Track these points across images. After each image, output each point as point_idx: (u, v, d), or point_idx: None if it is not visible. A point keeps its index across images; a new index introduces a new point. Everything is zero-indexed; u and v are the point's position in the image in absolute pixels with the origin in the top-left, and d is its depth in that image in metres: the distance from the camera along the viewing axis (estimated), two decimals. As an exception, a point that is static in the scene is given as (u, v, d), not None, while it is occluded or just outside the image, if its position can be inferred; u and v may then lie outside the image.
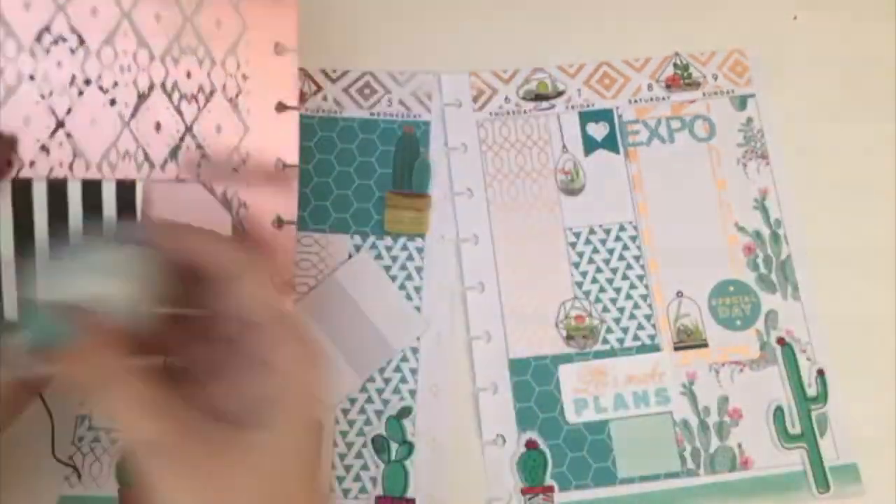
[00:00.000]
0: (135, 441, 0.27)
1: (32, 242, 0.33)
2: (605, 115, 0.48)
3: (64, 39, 0.34)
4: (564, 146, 0.47)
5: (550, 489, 0.41)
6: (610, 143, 0.47)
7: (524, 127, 0.47)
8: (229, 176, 0.36)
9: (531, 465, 0.42)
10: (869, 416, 0.43)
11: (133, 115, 0.35)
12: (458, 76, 0.48)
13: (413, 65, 0.48)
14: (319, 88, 0.47)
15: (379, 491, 0.41)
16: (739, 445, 0.42)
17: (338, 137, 0.47)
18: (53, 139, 0.34)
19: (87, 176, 0.34)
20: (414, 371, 0.43)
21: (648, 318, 0.44)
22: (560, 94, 0.48)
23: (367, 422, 0.42)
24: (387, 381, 0.43)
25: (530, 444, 0.42)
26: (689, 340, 0.44)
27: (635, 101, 0.48)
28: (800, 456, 0.42)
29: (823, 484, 0.42)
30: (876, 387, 0.44)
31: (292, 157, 0.37)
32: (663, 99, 0.48)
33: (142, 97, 0.35)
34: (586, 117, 0.48)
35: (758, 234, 0.46)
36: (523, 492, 0.41)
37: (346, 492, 0.41)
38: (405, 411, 0.42)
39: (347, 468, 0.41)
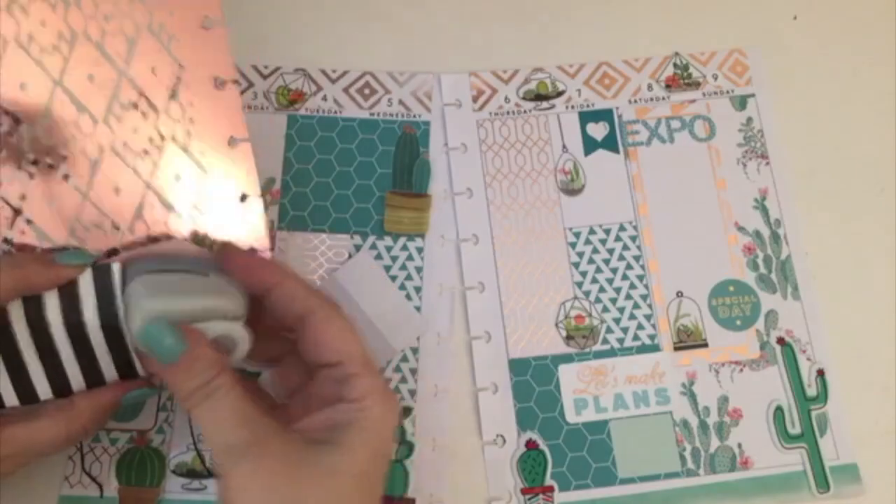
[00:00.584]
0: (221, 445, 0.30)
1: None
2: (605, 115, 0.48)
3: None
4: (564, 146, 0.47)
5: (550, 489, 0.41)
6: (610, 143, 0.47)
7: (524, 127, 0.47)
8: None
9: (531, 465, 0.42)
10: (869, 416, 0.43)
11: (89, 184, 0.33)
12: (458, 76, 0.48)
13: (413, 65, 0.48)
14: (319, 88, 0.47)
15: None
16: (739, 445, 0.42)
17: (338, 137, 0.47)
18: (14, 229, 0.32)
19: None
20: (414, 371, 0.43)
21: (648, 318, 0.44)
22: (560, 94, 0.48)
23: None
24: (387, 381, 0.43)
25: (530, 444, 0.42)
26: (689, 340, 0.44)
27: (635, 101, 0.48)
28: (800, 456, 0.42)
29: (823, 484, 0.42)
30: (876, 387, 0.44)
31: (254, 189, 0.37)
32: (663, 99, 0.48)
33: (94, 164, 0.33)
34: (586, 117, 0.48)
35: (758, 234, 0.46)
36: (523, 492, 0.41)
37: None
38: (405, 411, 0.42)
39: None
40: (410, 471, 0.41)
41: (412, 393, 0.42)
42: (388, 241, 0.45)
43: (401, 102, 0.47)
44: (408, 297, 0.44)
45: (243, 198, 0.37)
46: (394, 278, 0.44)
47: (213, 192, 0.36)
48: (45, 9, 0.32)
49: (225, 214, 0.36)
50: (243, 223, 0.37)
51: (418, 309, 0.44)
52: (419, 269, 0.45)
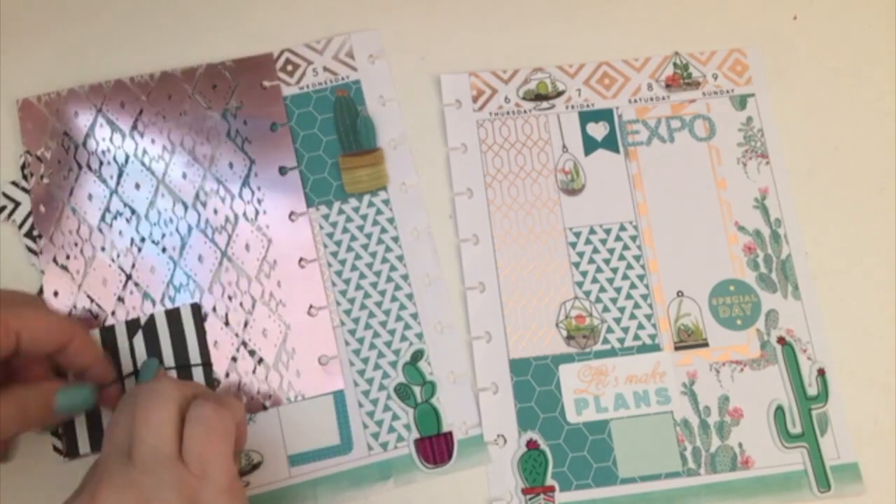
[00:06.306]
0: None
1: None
2: (605, 115, 0.48)
3: (120, 214, 0.45)
4: (564, 146, 0.47)
5: (551, 489, 0.41)
6: (610, 142, 0.47)
7: (524, 127, 0.47)
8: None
9: (532, 465, 0.42)
10: (869, 416, 0.43)
11: (180, 254, 0.44)
12: (458, 76, 0.48)
13: (412, 65, 0.48)
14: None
15: (416, 434, 0.42)
16: (740, 445, 0.42)
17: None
18: (126, 290, 0.44)
19: (154, 311, 0.44)
20: (415, 315, 0.44)
21: (649, 317, 0.44)
22: (560, 94, 0.48)
23: (385, 375, 0.43)
24: (391, 332, 0.43)
25: (531, 444, 0.42)
26: (689, 340, 0.44)
27: (635, 101, 0.48)
28: (800, 455, 0.42)
29: (824, 483, 0.42)
30: (876, 386, 0.44)
31: (311, 253, 0.44)
32: (663, 99, 0.48)
33: (184, 239, 0.44)
34: (586, 117, 0.48)
35: (758, 234, 0.46)
36: (524, 492, 0.41)
37: (384, 445, 0.42)
38: (418, 355, 0.43)
39: (379, 423, 0.42)
40: (439, 408, 0.42)
41: (419, 336, 0.43)
42: (353, 202, 0.45)
43: (326, 69, 0.47)
44: (388, 249, 0.45)
45: (302, 260, 0.44)
46: (369, 235, 0.45)
47: (277, 257, 0.44)
48: (154, 131, 0.46)
49: (280, 231, 0.45)
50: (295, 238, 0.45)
51: (401, 258, 0.44)
52: (391, 220, 0.45)
